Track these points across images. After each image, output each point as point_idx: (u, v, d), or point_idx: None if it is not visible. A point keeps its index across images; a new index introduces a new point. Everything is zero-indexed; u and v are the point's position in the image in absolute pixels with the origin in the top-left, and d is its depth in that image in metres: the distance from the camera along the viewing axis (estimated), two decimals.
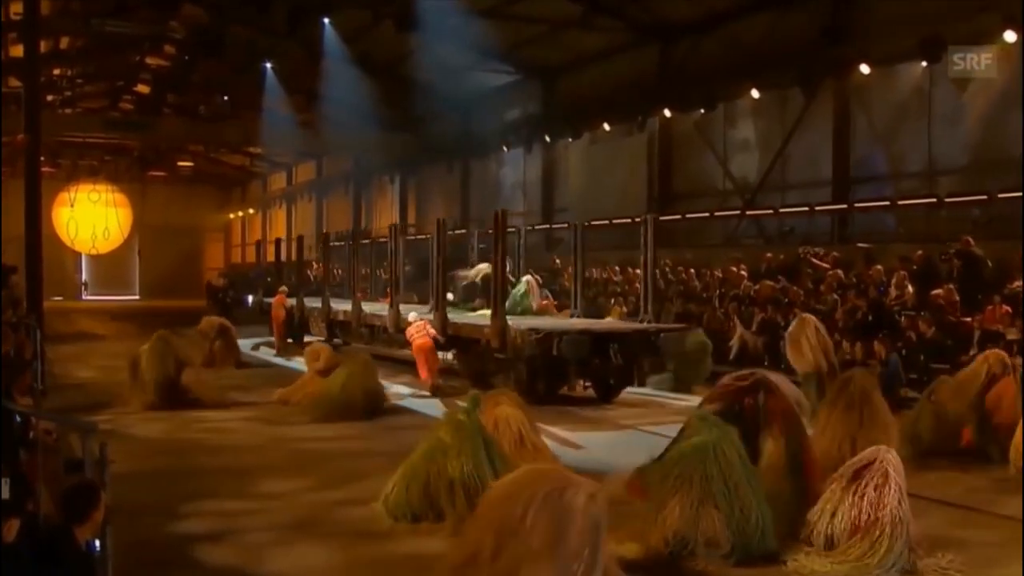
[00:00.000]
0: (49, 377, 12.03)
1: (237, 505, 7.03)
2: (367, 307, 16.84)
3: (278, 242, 25.74)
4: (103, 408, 10.93)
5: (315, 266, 26.35)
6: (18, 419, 5.93)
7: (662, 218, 20.91)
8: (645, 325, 12.85)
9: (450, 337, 13.19)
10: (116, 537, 4.26)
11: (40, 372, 10.77)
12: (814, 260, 15.86)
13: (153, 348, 11.51)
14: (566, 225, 21.40)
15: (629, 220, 18.18)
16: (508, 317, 12.46)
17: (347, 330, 17.34)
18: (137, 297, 44.35)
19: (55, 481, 5.07)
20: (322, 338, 18.32)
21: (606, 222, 21.45)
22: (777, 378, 6.51)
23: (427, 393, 12.45)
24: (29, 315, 12.78)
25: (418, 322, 13.02)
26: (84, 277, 45.44)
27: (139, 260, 46.19)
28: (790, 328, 11.02)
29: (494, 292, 12.51)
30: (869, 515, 5.22)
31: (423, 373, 12.71)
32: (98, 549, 4.03)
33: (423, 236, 20.18)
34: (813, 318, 11.04)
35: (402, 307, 14.88)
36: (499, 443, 6.87)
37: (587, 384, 12.39)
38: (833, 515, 5.34)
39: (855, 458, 5.61)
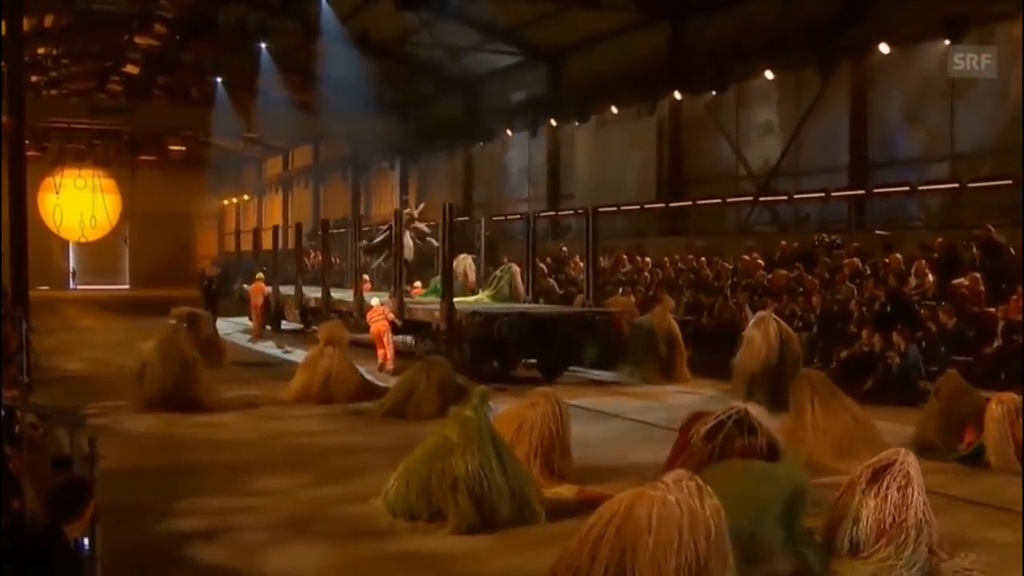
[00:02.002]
0: (35, 370, 11.66)
1: (232, 502, 6.88)
2: (336, 294, 17.78)
3: (255, 232, 25.66)
4: (92, 401, 10.64)
5: (311, 254, 25.99)
6: (3, 413, 5.68)
7: (672, 204, 20.60)
8: (584, 309, 13.91)
9: (407, 321, 14.16)
10: (106, 536, 4.12)
11: (26, 364, 10.69)
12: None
13: (162, 347, 10.77)
14: (519, 216, 22.14)
15: (572, 212, 18.91)
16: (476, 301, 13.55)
17: (318, 316, 17.95)
18: (127, 286, 43.69)
19: (42, 478, 4.91)
20: (299, 325, 19.24)
21: (552, 213, 22.25)
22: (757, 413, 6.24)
23: (387, 374, 12.81)
24: (14, 305, 12.64)
25: (378, 307, 13.85)
26: (72, 266, 44.68)
27: (128, 248, 45.46)
28: (750, 324, 11.21)
29: (442, 278, 13.46)
30: (894, 518, 5.16)
31: (380, 355, 13.52)
32: (87, 548, 3.92)
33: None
34: (773, 315, 11.32)
35: (366, 294, 15.98)
36: (512, 444, 6.70)
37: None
38: (856, 520, 5.23)
39: (872, 460, 5.44)
